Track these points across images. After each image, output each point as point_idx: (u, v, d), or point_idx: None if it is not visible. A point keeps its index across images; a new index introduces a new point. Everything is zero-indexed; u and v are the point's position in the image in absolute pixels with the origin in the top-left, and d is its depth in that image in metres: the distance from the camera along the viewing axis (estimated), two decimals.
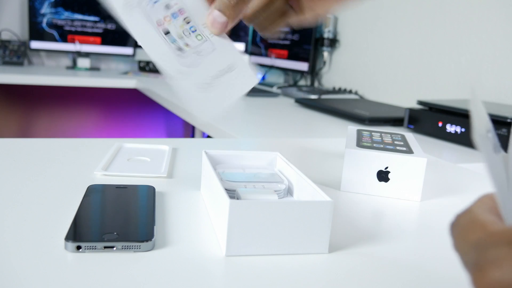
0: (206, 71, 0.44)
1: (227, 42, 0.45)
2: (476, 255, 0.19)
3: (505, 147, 1.04)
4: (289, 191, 0.51)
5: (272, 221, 0.38)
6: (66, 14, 2.59)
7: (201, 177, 0.54)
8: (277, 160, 0.56)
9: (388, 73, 1.85)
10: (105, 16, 2.63)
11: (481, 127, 0.22)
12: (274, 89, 2.15)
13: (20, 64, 2.51)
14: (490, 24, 1.44)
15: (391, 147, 0.58)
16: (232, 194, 0.47)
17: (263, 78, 2.71)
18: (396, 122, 1.40)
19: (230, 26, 0.43)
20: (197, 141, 0.78)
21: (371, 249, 0.41)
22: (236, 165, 0.55)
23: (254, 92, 1.95)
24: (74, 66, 2.68)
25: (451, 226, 0.23)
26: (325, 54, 2.20)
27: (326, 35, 2.15)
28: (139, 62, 2.74)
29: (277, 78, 2.69)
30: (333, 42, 2.16)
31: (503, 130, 1.04)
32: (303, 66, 2.19)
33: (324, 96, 1.89)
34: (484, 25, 1.45)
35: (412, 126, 1.30)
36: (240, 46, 2.64)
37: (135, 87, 2.34)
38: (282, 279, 0.35)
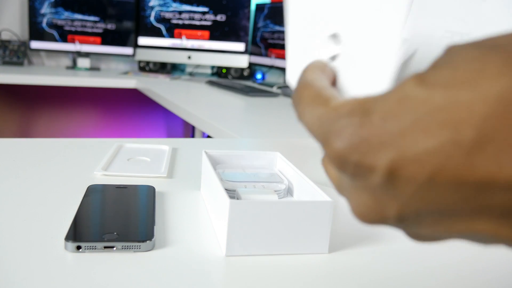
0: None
1: None
2: (321, 130, 0.22)
3: None
4: (289, 191, 0.51)
5: (272, 221, 0.38)
6: (66, 14, 2.59)
7: (201, 177, 0.54)
8: (277, 160, 0.56)
9: None
10: (105, 16, 2.63)
11: None
12: (274, 89, 2.15)
13: (20, 64, 2.51)
14: None
15: None
16: (232, 194, 0.47)
17: (263, 78, 2.71)
18: None
19: None
20: (197, 141, 0.78)
21: (371, 249, 0.41)
22: (236, 165, 0.55)
23: (254, 92, 1.95)
24: (74, 66, 2.68)
25: (294, 98, 0.25)
26: None
27: None
28: (139, 62, 2.74)
29: (277, 78, 2.69)
30: None
31: None
32: None
33: None
34: None
35: None
36: (240, 46, 2.64)
37: (135, 87, 2.34)
38: (282, 279, 0.35)
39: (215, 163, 0.54)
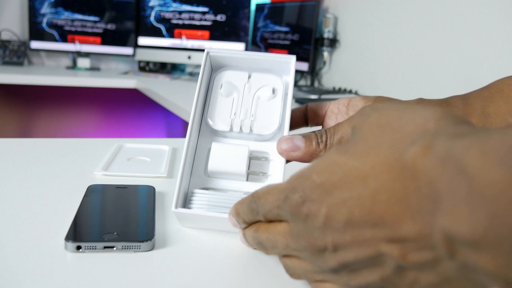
0: None
1: None
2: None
3: None
4: None
5: None
6: (66, 14, 2.59)
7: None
8: (291, 65, 0.48)
9: (388, 73, 1.85)
10: (105, 16, 2.63)
11: None
12: None
13: (20, 64, 2.51)
14: (490, 24, 1.44)
15: None
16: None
17: None
18: None
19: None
20: None
21: None
22: (243, 68, 0.48)
23: None
24: (74, 66, 2.68)
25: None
26: (325, 54, 2.20)
27: (326, 35, 2.15)
28: (139, 62, 2.74)
29: None
30: (333, 42, 2.16)
31: None
32: (303, 66, 2.19)
33: (324, 96, 1.89)
34: (484, 25, 1.45)
35: None
36: (240, 46, 2.64)
37: (135, 87, 2.34)
38: (280, 274, 0.35)
39: (218, 66, 0.49)
